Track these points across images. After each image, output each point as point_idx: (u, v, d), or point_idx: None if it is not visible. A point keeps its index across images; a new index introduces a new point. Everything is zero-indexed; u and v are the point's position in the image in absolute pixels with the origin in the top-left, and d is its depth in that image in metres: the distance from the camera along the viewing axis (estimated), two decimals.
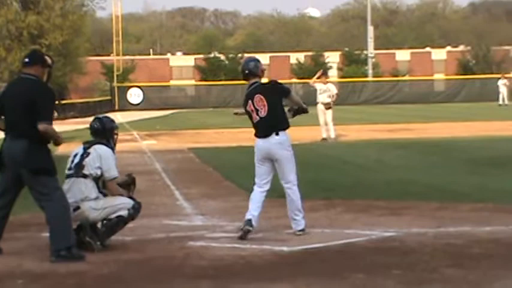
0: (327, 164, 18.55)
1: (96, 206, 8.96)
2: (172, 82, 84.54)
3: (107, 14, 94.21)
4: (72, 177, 8.91)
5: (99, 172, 9.02)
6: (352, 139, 26.64)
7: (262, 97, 9.62)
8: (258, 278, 7.66)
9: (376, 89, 71.47)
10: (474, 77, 75.01)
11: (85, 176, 8.97)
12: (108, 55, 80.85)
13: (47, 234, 9.89)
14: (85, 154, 9.10)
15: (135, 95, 69.75)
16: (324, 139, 25.87)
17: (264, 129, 9.60)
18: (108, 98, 69.83)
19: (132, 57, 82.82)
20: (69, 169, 9.03)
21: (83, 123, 39.62)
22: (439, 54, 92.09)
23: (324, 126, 26.14)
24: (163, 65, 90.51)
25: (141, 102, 69.15)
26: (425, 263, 8.19)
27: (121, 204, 9.05)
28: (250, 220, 9.52)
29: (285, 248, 9.01)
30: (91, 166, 9.00)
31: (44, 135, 8.42)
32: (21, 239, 9.78)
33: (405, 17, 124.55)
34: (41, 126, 8.39)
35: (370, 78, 74.46)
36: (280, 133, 9.64)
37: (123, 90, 69.73)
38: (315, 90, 26.58)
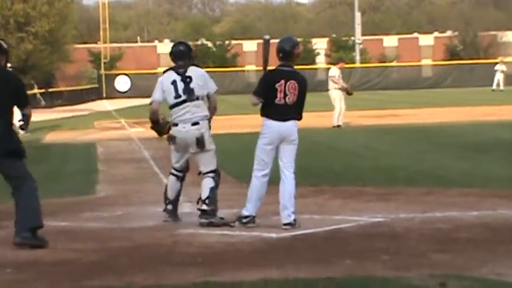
0: (316, 150, 18.57)
1: (209, 134, 9.73)
2: (160, 69, 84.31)
3: (94, 2, 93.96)
4: (186, 102, 9.54)
5: (205, 93, 9.68)
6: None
7: (297, 85, 9.38)
8: (247, 265, 7.68)
9: (364, 75, 71.47)
10: (462, 62, 75.09)
11: (198, 98, 9.63)
12: (95, 43, 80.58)
13: None
14: (187, 79, 9.63)
15: (122, 83, 69.59)
16: (337, 126, 25.16)
17: (285, 114, 9.35)
18: (96, 85, 69.66)
19: (119, 45, 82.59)
20: (178, 96, 9.59)
21: (70, 111, 39.54)
22: (426, 39, 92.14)
23: (338, 112, 25.38)
24: (150, 53, 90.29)
25: (128, 89, 69.01)
26: (413, 248, 8.22)
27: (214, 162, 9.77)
28: (254, 217, 9.48)
29: (273, 235, 9.02)
30: (198, 89, 9.63)
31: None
32: (4, 228, 9.70)
33: (392, 2, 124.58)
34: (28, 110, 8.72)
35: (357, 65, 74.44)
36: (295, 121, 9.50)
37: (111, 78, 69.56)
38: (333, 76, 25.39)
